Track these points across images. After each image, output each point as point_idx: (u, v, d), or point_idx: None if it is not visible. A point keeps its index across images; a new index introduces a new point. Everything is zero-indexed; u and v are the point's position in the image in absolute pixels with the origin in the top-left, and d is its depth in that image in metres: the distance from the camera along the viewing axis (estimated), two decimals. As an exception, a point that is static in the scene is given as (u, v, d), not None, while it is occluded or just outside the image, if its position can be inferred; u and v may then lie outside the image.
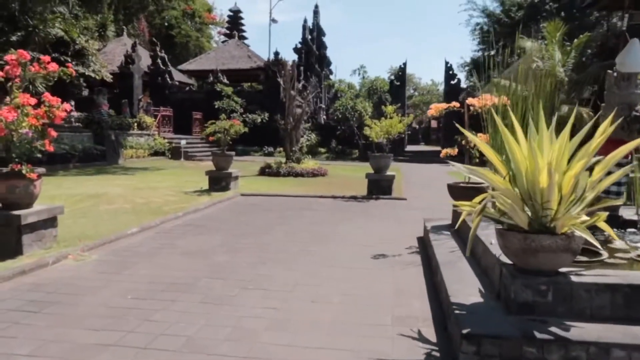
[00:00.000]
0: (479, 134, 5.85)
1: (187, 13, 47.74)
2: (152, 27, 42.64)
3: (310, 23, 39.11)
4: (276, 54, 29.69)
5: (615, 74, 5.04)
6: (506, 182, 3.00)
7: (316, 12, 40.93)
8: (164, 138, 22.85)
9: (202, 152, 23.84)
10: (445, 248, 4.67)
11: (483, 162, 6.14)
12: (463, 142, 5.93)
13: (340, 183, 13.25)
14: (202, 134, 26.87)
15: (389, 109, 10.61)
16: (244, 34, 46.49)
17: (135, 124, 21.13)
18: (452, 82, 28.56)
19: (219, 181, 10.56)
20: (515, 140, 3.07)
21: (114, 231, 6.13)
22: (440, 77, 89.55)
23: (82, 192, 9.70)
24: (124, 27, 34.13)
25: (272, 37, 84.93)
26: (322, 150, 26.71)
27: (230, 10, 47.53)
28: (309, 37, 37.60)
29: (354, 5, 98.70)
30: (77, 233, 5.96)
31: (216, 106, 27.01)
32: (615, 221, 5.22)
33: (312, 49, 36.38)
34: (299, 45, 36.50)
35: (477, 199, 3.30)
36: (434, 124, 65.98)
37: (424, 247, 5.61)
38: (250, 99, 28.60)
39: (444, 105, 6.05)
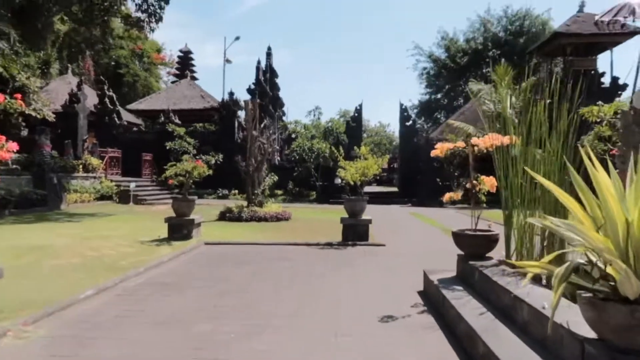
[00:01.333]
0: (482, 176, 5.39)
1: (136, 53, 46.67)
2: (98, 66, 41.16)
3: (263, 64, 39.02)
4: (231, 94, 29.16)
5: (632, 112, 4.73)
6: (607, 241, 2.42)
7: (269, 54, 40.93)
8: (112, 181, 21.42)
9: (153, 195, 22.51)
10: (470, 308, 4.05)
11: (491, 203, 5.67)
12: (468, 185, 5.44)
13: (308, 228, 12.53)
14: (154, 177, 25.59)
15: (363, 150, 10.15)
16: (195, 74, 45.76)
17: (80, 166, 19.67)
18: (407, 124, 28.88)
19: (180, 229, 9.59)
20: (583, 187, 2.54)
21: (65, 295, 5.11)
22: (387, 119, 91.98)
23: (22, 244, 8.46)
24: (69, 65, 32.66)
25: (224, 79, 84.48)
26: (279, 192, 25.96)
27: (181, 51, 46.82)
28: (262, 78, 37.39)
29: (305, 48, 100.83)
30: (18, 299, 4.91)
31: (168, 147, 25.91)
32: None
33: (266, 90, 36.09)
34: (253, 87, 36.14)
35: (547, 258, 2.71)
36: (385, 165, 67.09)
37: (433, 305, 4.97)
38: (203, 140, 27.67)
39: (450, 145, 5.61)
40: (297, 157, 26.83)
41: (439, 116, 53.47)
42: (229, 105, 28.45)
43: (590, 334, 2.57)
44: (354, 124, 28.23)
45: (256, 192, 14.38)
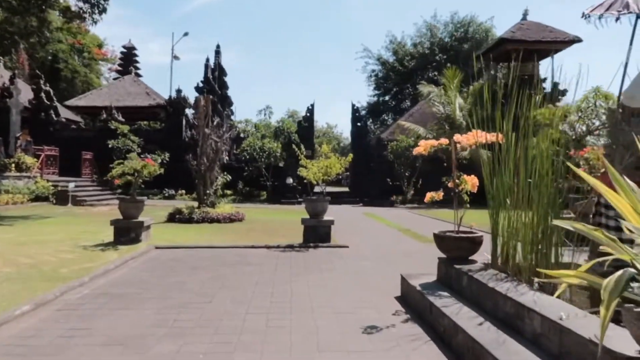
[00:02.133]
0: (464, 176, 5.10)
1: (76, 47, 44.17)
2: (33, 60, 38.55)
3: (212, 63, 37.93)
4: (178, 91, 28.03)
5: (620, 110, 4.59)
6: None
7: (218, 52, 39.84)
8: (48, 181, 19.90)
9: (94, 196, 21.15)
10: (466, 318, 3.70)
11: (475, 203, 5.40)
12: (450, 184, 5.14)
13: (264, 229, 11.98)
14: (95, 177, 24.07)
15: (325, 148, 9.74)
16: (139, 72, 43.83)
17: (13, 165, 18.12)
18: (359, 124, 28.83)
19: (127, 232, 8.80)
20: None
21: (-5, 312, 4.36)
22: (335, 120, 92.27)
23: (-58, 252, 7.44)
24: (0, 57, 30.28)
25: (172, 77, 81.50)
26: (228, 192, 25.14)
27: (124, 47, 44.71)
28: (211, 76, 36.32)
29: (255, 48, 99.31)
30: (-64, 319, 4.12)
31: (110, 145, 24.47)
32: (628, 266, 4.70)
33: (214, 88, 35.05)
34: (201, 85, 35.02)
35: (585, 266, 2.39)
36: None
37: (417, 312, 4.61)
38: (148, 138, 26.40)
39: (434, 142, 5.28)
40: (248, 157, 26.12)
41: (386, 118, 54.13)
42: (177, 103, 27.32)
43: (634, 352, 2.26)
44: (306, 124, 27.85)
45: (208, 192, 13.65)
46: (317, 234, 9.27)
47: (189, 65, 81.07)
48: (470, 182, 5.01)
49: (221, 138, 14.14)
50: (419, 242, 10.46)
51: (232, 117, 41.20)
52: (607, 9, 4.50)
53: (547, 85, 29.13)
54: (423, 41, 49.77)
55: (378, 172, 26.83)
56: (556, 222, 2.84)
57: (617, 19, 4.63)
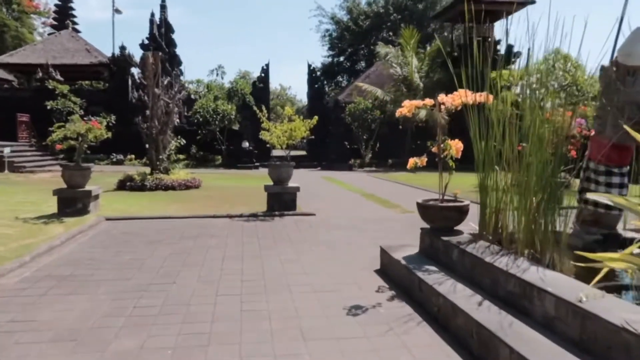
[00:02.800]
0: (449, 140, 4.74)
1: (3, -2, 40.50)
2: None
3: (157, 18, 35.74)
4: (122, 48, 26.31)
5: (614, 68, 4.30)
6: None
7: (163, 7, 37.48)
8: (-21, 146, 18.27)
9: (33, 162, 19.71)
10: (462, 296, 3.40)
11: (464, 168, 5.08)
12: (434, 149, 4.77)
13: (223, 196, 11.41)
14: (34, 141, 22.39)
15: (289, 110, 9.17)
16: (77, 27, 40.80)
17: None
18: (316, 86, 28.14)
19: (73, 202, 8.03)
20: None
21: None
22: (289, 82, 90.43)
23: None
24: None
25: (114, 33, 76.36)
26: (181, 157, 24.12)
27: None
28: (157, 33, 34.26)
29: (204, 4, 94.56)
30: None
31: (49, 107, 22.75)
32: (615, 240, 4.54)
33: (162, 46, 33.10)
34: (146, 42, 32.99)
35: (631, 248, 2.06)
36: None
37: (403, 289, 4.29)
38: (91, 99, 24.76)
39: (419, 103, 4.85)
40: (201, 119, 25.04)
41: (341, 79, 53.46)
42: (121, 61, 25.65)
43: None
44: (261, 85, 26.93)
45: (161, 157, 12.83)
46: (282, 201, 8.81)
47: (132, 21, 76.59)
48: (455, 147, 4.66)
49: (173, 99, 13.23)
50: (386, 208, 10.22)
51: (182, 78, 39.43)
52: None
53: (502, 48, 29.33)
54: (378, 0, 48.88)
55: (336, 135, 26.45)
56: (592, 195, 2.51)
57: None
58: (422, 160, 4.79)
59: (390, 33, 45.07)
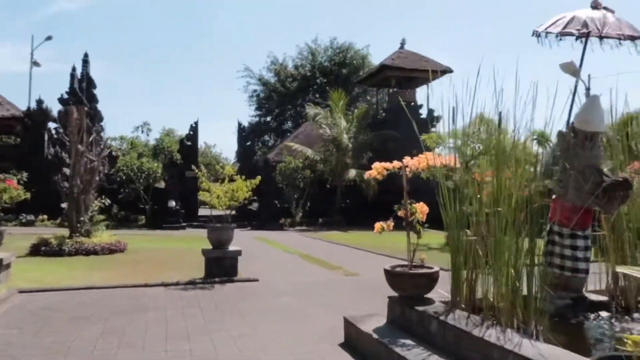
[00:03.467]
0: (415, 203, 4.60)
1: None
2: None
3: (79, 72, 34.42)
4: (39, 102, 24.81)
5: (572, 133, 4.42)
6: None
7: (86, 62, 36.28)
8: None
9: None
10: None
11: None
12: (400, 213, 4.59)
13: (151, 261, 10.55)
14: None
15: (229, 169, 8.77)
16: (-13, 77, 38.23)
17: None
18: (247, 144, 27.91)
19: (-22, 273, 6.95)
20: None
21: None
22: (213, 139, 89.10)
23: None
24: None
25: (31, 86, 71.94)
26: (101, 217, 22.52)
27: (-32, 48, 38.78)
28: (78, 87, 32.86)
29: (130, 61, 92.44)
30: None
31: (-50, 163, 20.56)
32: (583, 304, 4.51)
33: (82, 101, 31.69)
34: (66, 96, 31.47)
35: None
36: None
37: (376, 366, 3.92)
38: (1, 155, 22.78)
39: (389, 165, 4.68)
40: (124, 178, 23.74)
41: (268, 139, 53.80)
42: (38, 115, 24.11)
43: None
44: (190, 143, 26.23)
45: (82, 218, 11.76)
46: (222, 266, 8.21)
47: (51, 75, 73.06)
48: (421, 211, 4.51)
49: (98, 157, 12.37)
50: (328, 270, 9.90)
51: (103, 134, 37.74)
52: (564, 28, 4.38)
53: (424, 111, 31.01)
54: (304, 63, 50.57)
55: (266, 194, 26.04)
56: (621, 269, 2.37)
57: (577, 38, 4.55)
58: (389, 224, 4.59)
59: (317, 95, 46.46)
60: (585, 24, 4.22)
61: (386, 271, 4.41)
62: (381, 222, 4.60)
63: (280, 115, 52.73)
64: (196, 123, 26.63)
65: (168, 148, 26.63)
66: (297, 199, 26.39)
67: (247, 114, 57.51)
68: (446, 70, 29.58)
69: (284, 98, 50.10)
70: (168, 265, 9.94)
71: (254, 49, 79.59)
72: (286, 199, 26.20)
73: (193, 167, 8.79)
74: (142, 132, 57.18)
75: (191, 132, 26.54)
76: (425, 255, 4.79)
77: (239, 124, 28.25)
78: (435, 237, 18.28)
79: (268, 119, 53.62)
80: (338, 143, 26.61)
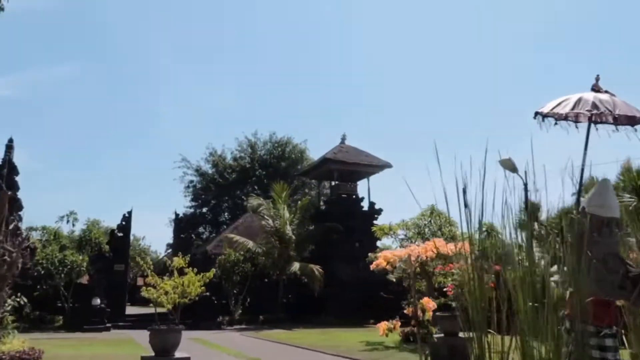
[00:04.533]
0: (424, 298, 3.93)
1: None
2: None
3: (0, 158, 32.10)
4: (-49, 187, 22.31)
5: (586, 219, 4.05)
6: None
7: (10, 147, 34.16)
8: None
9: None
10: None
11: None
12: (407, 311, 3.88)
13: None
14: None
15: (179, 261, 7.75)
16: None
17: None
18: (183, 236, 26.39)
19: None
20: None
21: None
22: (142, 232, 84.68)
23: None
24: None
25: None
26: (11, 318, 19.71)
27: None
28: (-2, 173, 30.45)
29: (55, 149, 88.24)
30: None
31: None
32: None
33: (2, 188, 29.26)
34: (-17, 182, 28.95)
35: None
36: (140, 280, 60.41)
37: None
38: None
39: (401, 253, 4.01)
40: (42, 272, 21.29)
41: (203, 230, 51.89)
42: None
43: None
44: (121, 234, 24.37)
45: (-10, 322, 9.93)
46: (166, 378, 6.92)
47: (-35, 161, 67.94)
48: (427, 307, 3.85)
49: (18, 248, 10.83)
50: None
51: (21, 224, 34.61)
52: (573, 108, 4.19)
53: (365, 204, 31.19)
54: (244, 156, 50.68)
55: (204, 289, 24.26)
56: None
57: (590, 118, 4.34)
58: (396, 324, 3.87)
59: (256, 187, 46.05)
60: (595, 105, 4.06)
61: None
62: (386, 323, 3.87)
63: (217, 207, 51.51)
64: (129, 212, 24.98)
65: (96, 239, 24.57)
66: (236, 294, 24.76)
67: (182, 205, 55.52)
68: (385, 165, 30.47)
69: (222, 189, 49.29)
70: (95, 377, 8.36)
71: (191, 140, 79.44)
72: (224, 294, 24.48)
73: (139, 259, 7.64)
74: (68, 222, 53.26)
75: (123, 222, 24.77)
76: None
77: (176, 215, 26.91)
78: (391, 334, 17.37)
79: (204, 210, 52.13)
80: (281, 235, 25.81)
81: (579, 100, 4.16)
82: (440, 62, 79.63)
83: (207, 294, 21.02)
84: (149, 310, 33.23)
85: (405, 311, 3.72)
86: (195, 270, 7.66)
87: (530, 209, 4.09)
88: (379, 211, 29.57)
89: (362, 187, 31.10)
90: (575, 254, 4.26)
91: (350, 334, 17.88)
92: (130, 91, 78.41)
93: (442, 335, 9.38)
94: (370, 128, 77.17)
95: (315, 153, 51.04)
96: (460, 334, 8.33)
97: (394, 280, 20.68)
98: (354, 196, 30.26)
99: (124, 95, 79.08)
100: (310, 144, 64.60)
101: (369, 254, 18.68)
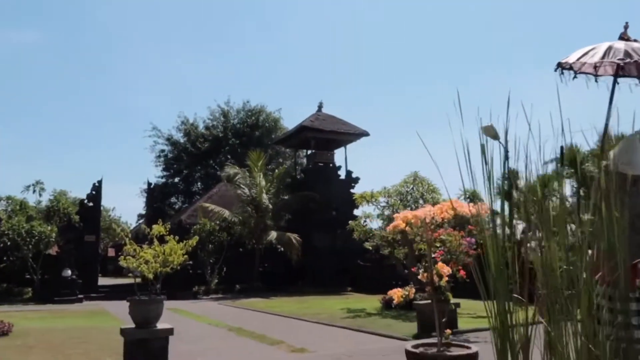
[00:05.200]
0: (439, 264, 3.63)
1: None
2: None
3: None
4: None
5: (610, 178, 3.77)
6: None
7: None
8: None
9: None
10: None
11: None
12: (422, 276, 3.57)
13: (48, 346, 8.46)
14: None
15: (159, 228, 7.25)
16: None
17: None
18: (156, 206, 25.68)
19: None
20: None
21: None
22: (112, 203, 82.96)
23: None
24: None
25: None
26: (-26, 291, 18.96)
27: None
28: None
29: (23, 117, 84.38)
30: None
31: None
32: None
33: (-39, 156, 27.81)
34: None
35: None
36: (111, 252, 59.18)
37: None
38: None
39: (421, 213, 3.65)
40: (9, 244, 20.40)
41: (175, 201, 50.89)
42: None
43: None
44: (91, 204, 23.50)
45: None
46: (148, 351, 6.50)
47: None
48: (443, 272, 3.56)
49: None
50: (272, 347, 8.51)
51: (-18, 194, 33.13)
52: (603, 57, 3.85)
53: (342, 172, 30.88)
54: (217, 124, 49.49)
55: (178, 259, 23.76)
56: None
57: (617, 70, 3.99)
58: (411, 290, 3.56)
59: (229, 156, 45.11)
60: (627, 54, 3.72)
61: (412, 354, 3.32)
62: (399, 290, 3.56)
63: (189, 177, 50.43)
64: (100, 182, 24.05)
65: (65, 209, 23.63)
66: (212, 264, 24.37)
67: (154, 175, 54.13)
68: (363, 133, 30.11)
69: (194, 159, 48.18)
70: (70, 352, 7.93)
71: (162, 109, 77.27)
72: (200, 264, 24.05)
73: (116, 228, 7.12)
74: (34, 191, 51.32)
75: (93, 192, 23.85)
76: (450, 330, 3.78)
77: (149, 184, 26.07)
78: (369, 301, 17.40)
79: (176, 180, 50.98)
80: (257, 204, 25.38)
81: (609, 49, 3.82)
82: (419, 28, 78.96)
83: (190, 262, 20.63)
84: (122, 281, 32.69)
85: (419, 277, 3.45)
86: (177, 238, 7.19)
87: (508, 177, 3.74)
88: (356, 180, 29.39)
89: (339, 156, 30.82)
90: (606, 212, 4.00)
91: (329, 302, 17.81)
92: (99, 60, 75.30)
93: (429, 301, 9.31)
94: (347, 97, 76.51)
95: (289, 122, 50.16)
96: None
97: (371, 248, 20.73)
98: (331, 165, 29.93)
99: (91, 63, 75.98)
100: (285, 113, 63.69)
101: (350, 222, 18.52)
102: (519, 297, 3.19)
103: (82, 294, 20.77)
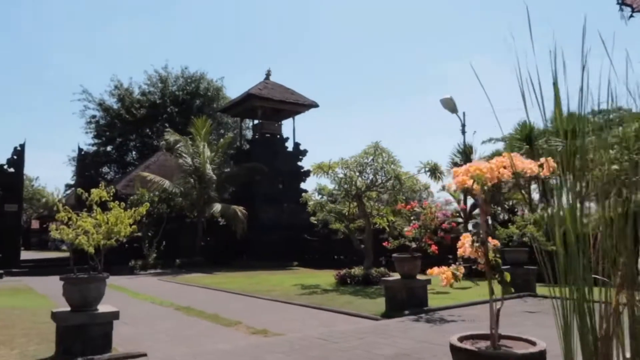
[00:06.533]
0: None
1: None
2: None
3: None
4: None
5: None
6: None
7: None
8: None
9: None
10: None
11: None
12: (472, 252, 2.77)
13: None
14: None
15: (100, 192, 6.05)
16: None
17: None
18: (87, 174, 23.55)
19: None
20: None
21: None
22: (35, 172, 77.34)
23: None
24: None
25: None
26: None
27: None
28: None
29: None
30: None
31: None
32: None
33: None
34: None
35: None
36: (35, 224, 55.25)
37: None
38: None
39: (482, 165, 2.79)
40: None
41: (107, 170, 47.76)
42: None
43: None
44: (12, 170, 21.11)
45: None
46: (88, 338, 5.40)
47: None
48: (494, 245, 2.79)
49: None
50: (228, 329, 7.61)
51: None
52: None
53: (290, 145, 29.87)
54: (154, 90, 46.56)
55: (113, 231, 22.00)
56: None
57: None
58: (460, 269, 2.75)
59: (167, 125, 42.65)
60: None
61: (466, 351, 2.53)
62: (448, 269, 2.71)
63: (123, 145, 47.41)
64: (22, 146, 21.60)
65: (-20, 176, 21.10)
66: (150, 237, 22.82)
67: (84, 143, 50.43)
68: (312, 104, 29.14)
69: (129, 126, 45.20)
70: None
71: (94, 72, 72.15)
72: (137, 237, 22.43)
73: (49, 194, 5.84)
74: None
75: (15, 157, 21.40)
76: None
77: (80, 150, 23.79)
78: (321, 277, 16.73)
79: (108, 148, 47.77)
80: (201, 174, 23.95)
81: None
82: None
83: (139, 234, 18.94)
84: (46, 255, 30.03)
85: (460, 252, 2.77)
86: (123, 205, 6.06)
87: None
88: (304, 152, 28.53)
89: (286, 127, 29.72)
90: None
91: (278, 277, 17.04)
92: (21, 19, 68.72)
93: (399, 277, 8.70)
94: (295, 66, 74.71)
95: (232, 92, 48.20)
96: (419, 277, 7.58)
97: (317, 222, 20.07)
98: (278, 136, 28.85)
99: (12, 22, 69.24)
100: (228, 82, 61.18)
101: (303, 194, 17.69)
102: (603, 278, 2.45)
103: (3, 269, 18.72)
